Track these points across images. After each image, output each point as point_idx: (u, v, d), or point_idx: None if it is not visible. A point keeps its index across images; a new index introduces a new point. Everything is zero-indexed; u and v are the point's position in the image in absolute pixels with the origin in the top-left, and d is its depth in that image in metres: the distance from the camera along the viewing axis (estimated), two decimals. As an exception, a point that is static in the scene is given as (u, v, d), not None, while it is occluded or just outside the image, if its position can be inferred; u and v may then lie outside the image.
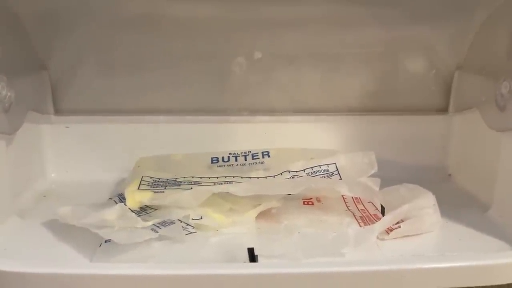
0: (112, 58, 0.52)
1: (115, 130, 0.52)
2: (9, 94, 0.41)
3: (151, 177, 0.46)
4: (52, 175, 0.53)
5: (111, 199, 0.43)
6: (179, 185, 0.44)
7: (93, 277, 0.33)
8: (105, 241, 0.37)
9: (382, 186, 0.43)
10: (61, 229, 0.39)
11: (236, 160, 0.48)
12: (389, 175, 0.44)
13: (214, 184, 0.44)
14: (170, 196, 0.41)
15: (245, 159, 0.49)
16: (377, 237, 0.39)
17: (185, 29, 0.51)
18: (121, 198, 0.43)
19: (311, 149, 0.49)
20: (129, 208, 0.40)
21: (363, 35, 0.52)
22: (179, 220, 0.39)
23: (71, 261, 0.36)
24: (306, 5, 0.50)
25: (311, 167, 0.46)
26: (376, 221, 0.40)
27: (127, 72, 0.52)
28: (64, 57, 0.51)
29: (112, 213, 0.37)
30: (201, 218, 0.40)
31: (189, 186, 0.43)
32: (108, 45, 0.51)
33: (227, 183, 0.44)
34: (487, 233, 0.41)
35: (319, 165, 0.46)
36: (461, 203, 0.48)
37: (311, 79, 0.53)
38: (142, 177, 0.45)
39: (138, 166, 0.48)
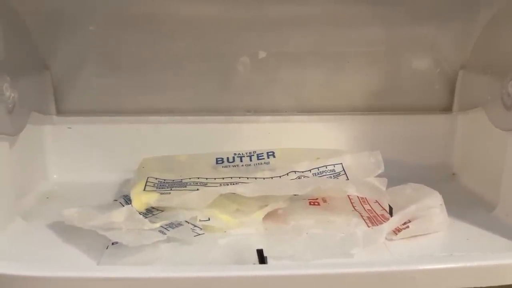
0: (114, 58, 0.51)
1: (118, 130, 0.52)
2: (12, 95, 0.41)
3: (156, 178, 0.45)
4: (54, 176, 0.52)
5: (116, 200, 0.43)
6: (185, 186, 0.44)
7: (101, 280, 0.32)
8: (112, 244, 0.37)
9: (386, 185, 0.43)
10: (66, 231, 0.39)
11: (241, 161, 0.48)
12: (393, 174, 0.44)
13: (220, 185, 0.44)
14: (177, 198, 0.41)
15: (250, 160, 0.48)
16: (385, 238, 0.39)
17: (188, 28, 0.50)
18: (127, 200, 0.42)
19: (317, 149, 0.48)
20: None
21: (367, 34, 0.52)
22: (186, 221, 0.39)
23: (77, 264, 0.36)
24: (310, 4, 0.50)
25: (317, 168, 0.46)
26: (384, 221, 0.40)
27: (129, 72, 0.52)
28: (67, 57, 0.50)
29: (120, 215, 0.37)
30: (209, 219, 0.39)
31: (195, 187, 0.43)
32: (110, 45, 0.51)
33: (234, 183, 0.44)
34: (494, 233, 0.41)
35: (325, 165, 0.46)
36: (466, 203, 0.47)
37: (315, 79, 0.53)
38: (148, 178, 0.45)
39: (143, 167, 0.48)
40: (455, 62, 0.53)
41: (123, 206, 0.40)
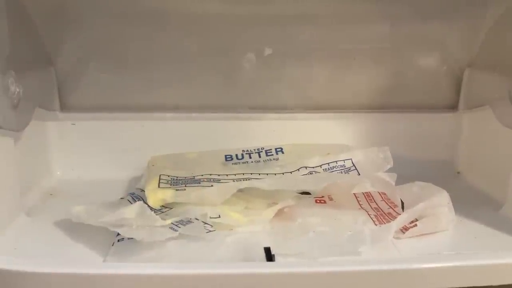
0: (119, 54, 0.51)
1: (122, 127, 0.52)
2: (18, 90, 0.40)
3: (168, 176, 0.44)
4: (58, 172, 0.52)
5: (122, 198, 0.43)
6: (199, 183, 0.43)
7: (107, 277, 0.32)
8: (118, 241, 0.37)
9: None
10: (70, 228, 0.39)
11: (250, 157, 0.48)
12: (398, 172, 0.44)
13: (233, 181, 0.43)
14: (194, 193, 0.40)
15: (259, 156, 0.48)
16: (393, 236, 0.38)
17: (194, 25, 0.50)
18: (135, 197, 0.42)
19: (323, 144, 0.48)
20: (151, 206, 0.40)
21: (374, 31, 0.52)
22: (196, 218, 0.38)
23: (83, 261, 0.35)
24: (316, 2, 0.50)
25: (328, 163, 0.46)
26: (390, 219, 0.40)
27: (134, 68, 0.51)
28: (71, 53, 0.50)
29: (131, 211, 0.36)
30: (219, 216, 0.39)
31: (209, 184, 0.42)
32: (115, 41, 0.51)
33: (247, 179, 0.43)
34: (502, 231, 0.41)
35: (336, 161, 0.46)
36: (472, 201, 0.47)
37: (321, 76, 0.53)
38: (160, 175, 0.44)
39: (153, 165, 0.47)
40: (462, 60, 0.53)
41: (131, 203, 0.40)
